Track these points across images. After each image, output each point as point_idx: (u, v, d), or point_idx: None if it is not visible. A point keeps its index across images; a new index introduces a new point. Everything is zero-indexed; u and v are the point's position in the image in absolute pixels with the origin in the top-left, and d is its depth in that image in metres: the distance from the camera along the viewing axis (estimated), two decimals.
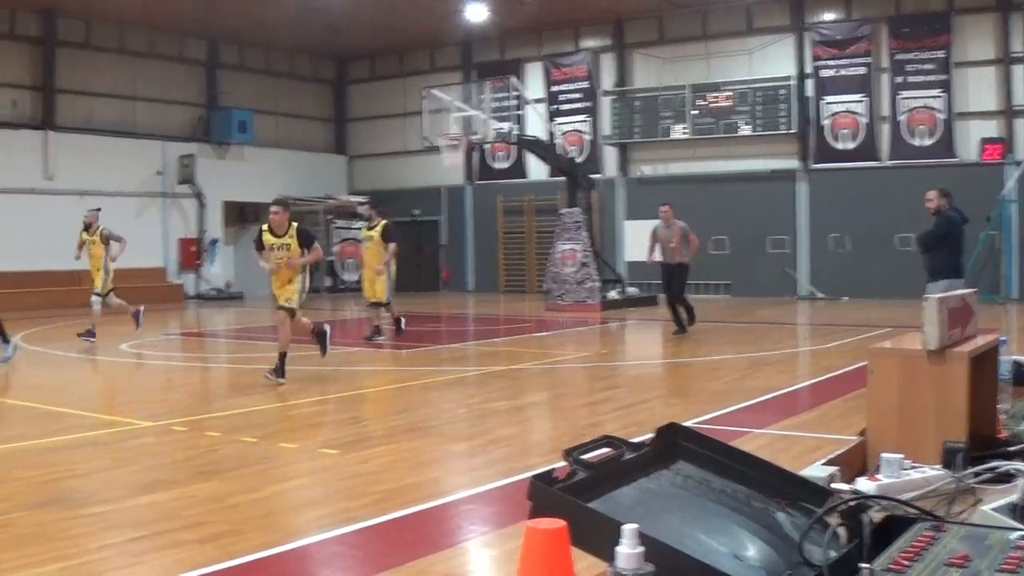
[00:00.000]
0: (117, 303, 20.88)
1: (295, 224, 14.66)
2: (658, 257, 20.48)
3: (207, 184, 36.29)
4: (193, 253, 36.56)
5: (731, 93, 31.94)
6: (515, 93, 34.79)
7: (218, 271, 36.86)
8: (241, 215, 38.29)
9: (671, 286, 20.38)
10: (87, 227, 20.69)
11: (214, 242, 37.04)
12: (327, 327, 15.65)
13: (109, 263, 20.51)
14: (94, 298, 20.40)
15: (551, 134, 34.01)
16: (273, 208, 14.78)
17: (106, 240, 20.42)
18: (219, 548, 6.42)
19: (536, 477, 2.91)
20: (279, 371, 14.10)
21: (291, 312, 14.56)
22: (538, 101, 35.98)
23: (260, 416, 12.01)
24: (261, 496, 7.93)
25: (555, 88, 36.03)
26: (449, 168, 33.82)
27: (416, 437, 10.28)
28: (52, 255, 28.89)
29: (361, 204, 21.13)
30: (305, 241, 14.55)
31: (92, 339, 19.81)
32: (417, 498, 7.65)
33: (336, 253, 38.04)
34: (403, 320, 20.19)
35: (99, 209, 21.35)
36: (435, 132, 29.96)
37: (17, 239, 30.04)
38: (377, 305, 20.07)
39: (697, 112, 32.49)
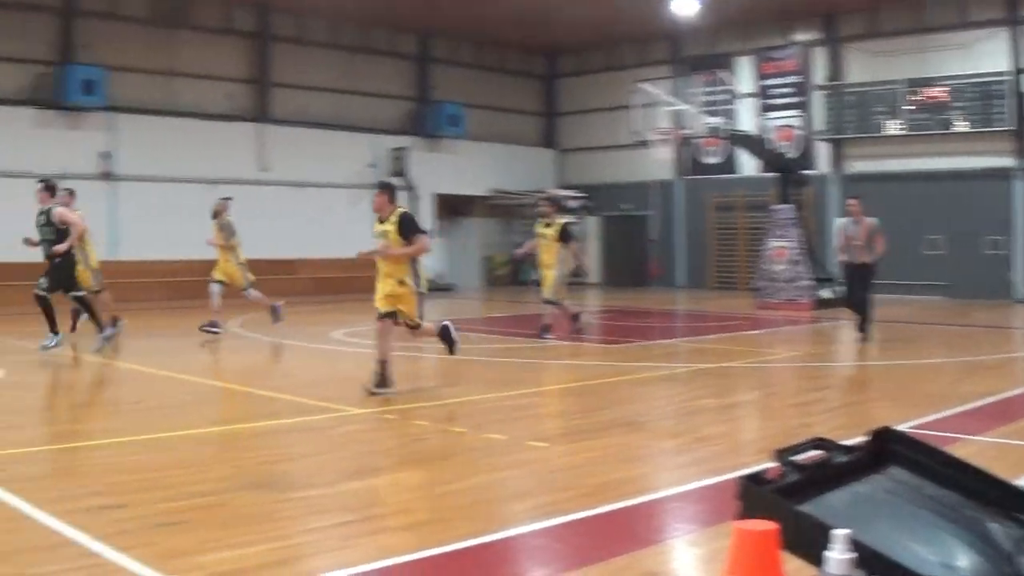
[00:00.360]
0: (218, 299, 20.02)
1: (400, 209, 12.99)
2: (843, 256, 19.25)
3: (419, 177, 36.82)
4: None
5: (947, 88, 31.05)
6: (725, 87, 34.47)
7: (429, 263, 37.37)
8: (452, 208, 38.79)
9: (854, 288, 19.09)
10: (215, 215, 20.33)
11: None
12: (448, 323, 13.93)
13: (240, 255, 20.19)
14: (213, 286, 20.01)
15: (762, 129, 33.61)
16: (377, 191, 13.28)
17: (227, 231, 20.16)
18: (425, 535, 6.52)
19: (746, 477, 2.91)
20: (381, 381, 12.60)
21: (415, 326, 13.15)
22: (748, 95, 35.62)
23: (469, 407, 12.16)
24: (468, 486, 8.03)
25: (765, 82, 35.46)
26: (659, 163, 33.72)
27: (624, 432, 10.28)
28: (268, 244, 29.68)
29: (541, 199, 20.55)
30: (406, 230, 12.76)
31: (279, 311, 20.28)
32: (623, 493, 7.65)
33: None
34: (551, 329, 19.37)
35: (230, 198, 21.07)
36: (645, 126, 29.86)
37: (237, 226, 30.95)
38: (552, 302, 19.55)
39: (912, 107, 31.68)
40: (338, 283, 32.81)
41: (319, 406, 11.68)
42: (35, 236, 16.78)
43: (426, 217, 37.34)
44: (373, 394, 12.34)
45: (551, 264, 19.42)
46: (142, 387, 14.37)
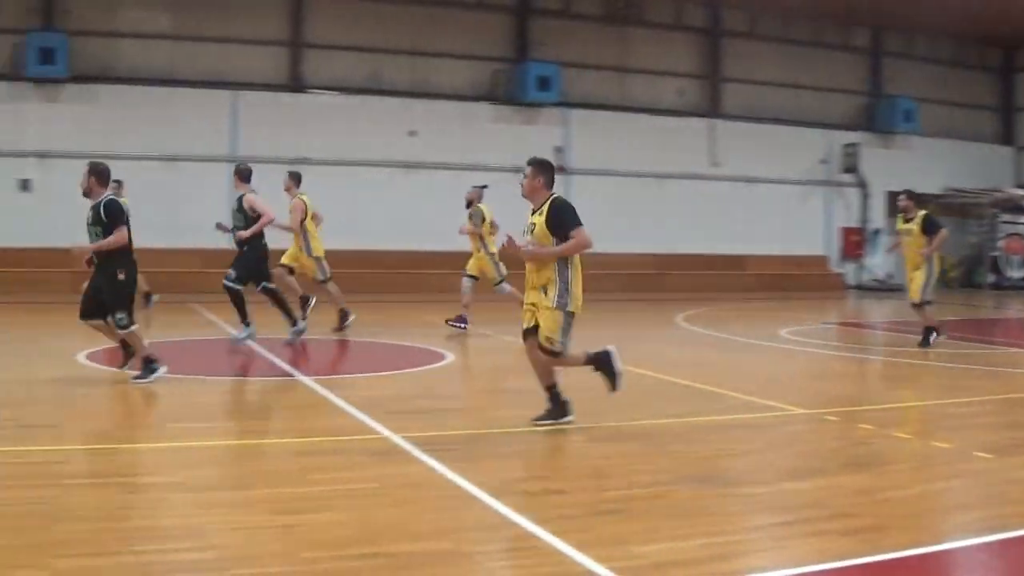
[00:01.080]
0: (469, 294, 19.27)
1: (553, 196, 9.99)
2: None
3: (871, 173, 36.19)
4: (855, 243, 36.60)
5: None
6: None
7: (879, 262, 36.66)
8: None
9: None
10: (468, 204, 19.44)
11: (876, 232, 36.88)
12: (611, 349, 10.65)
13: (492, 246, 18.93)
14: (465, 280, 19.26)
15: None
16: (529, 169, 10.11)
17: (474, 219, 19.08)
18: (862, 542, 6.43)
19: None
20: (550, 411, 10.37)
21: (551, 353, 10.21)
22: None
23: (914, 413, 11.93)
24: (910, 494, 7.88)
25: None
26: None
27: None
28: (717, 240, 30.00)
29: (899, 195, 18.95)
30: (556, 223, 9.82)
31: (463, 326, 19.06)
32: None
33: (1001, 248, 36.88)
34: (937, 332, 18.03)
35: (485, 187, 19.79)
36: None
37: (686, 221, 31.45)
38: (920, 304, 18.07)
39: None
40: (785, 280, 32.71)
41: (762, 404, 11.74)
42: (228, 223, 16.78)
43: (878, 215, 36.71)
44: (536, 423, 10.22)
45: (918, 263, 17.96)
46: (590, 377, 14.80)
